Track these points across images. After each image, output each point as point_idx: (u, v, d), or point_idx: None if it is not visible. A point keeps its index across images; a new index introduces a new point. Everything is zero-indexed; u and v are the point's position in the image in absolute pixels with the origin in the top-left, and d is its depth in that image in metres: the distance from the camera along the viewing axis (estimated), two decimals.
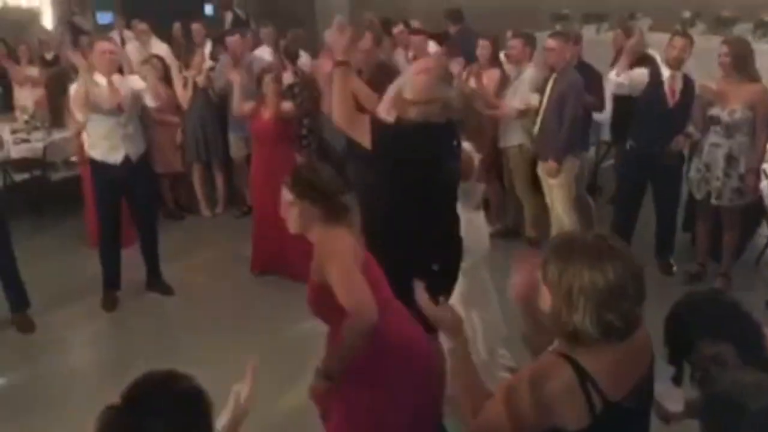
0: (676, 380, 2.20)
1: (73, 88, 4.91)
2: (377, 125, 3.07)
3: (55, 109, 6.84)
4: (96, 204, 5.25)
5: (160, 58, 6.80)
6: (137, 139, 5.07)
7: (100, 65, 4.77)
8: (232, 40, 6.64)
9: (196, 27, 8.11)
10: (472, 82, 5.85)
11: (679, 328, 2.16)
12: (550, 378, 1.78)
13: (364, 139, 3.04)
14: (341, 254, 2.58)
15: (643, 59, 5.50)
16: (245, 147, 6.70)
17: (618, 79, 5.09)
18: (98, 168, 5.01)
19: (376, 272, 2.71)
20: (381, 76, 4.91)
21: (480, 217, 3.91)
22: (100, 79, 4.79)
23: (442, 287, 3.00)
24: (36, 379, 4.36)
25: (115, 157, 4.93)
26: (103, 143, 4.93)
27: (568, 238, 1.89)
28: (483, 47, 5.89)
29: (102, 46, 4.80)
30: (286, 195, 2.72)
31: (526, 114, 5.52)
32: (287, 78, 6.68)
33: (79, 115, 4.99)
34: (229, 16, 11.55)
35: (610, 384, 1.79)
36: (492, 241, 5.96)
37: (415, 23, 7.37)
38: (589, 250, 1.77)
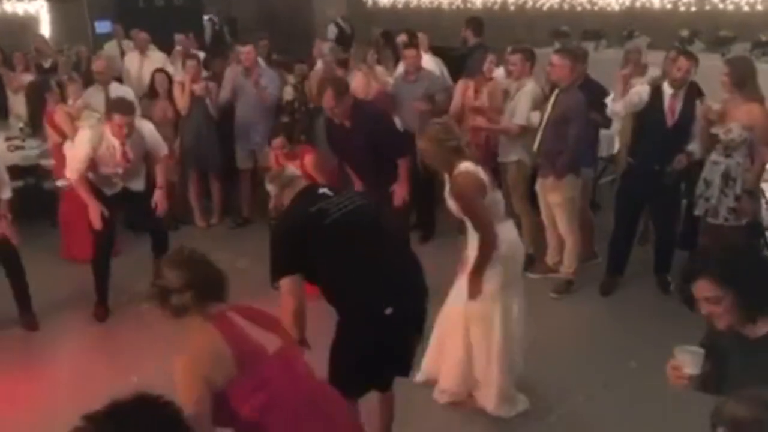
0: (687, 303, 2.39)
1: (76, 138, 5.13)
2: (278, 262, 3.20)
3: (34, 119, 6.79)
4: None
5: (166, 73, 6.88)
6: (136, 177, 5.17)
7: (115, 134, 4.89)
8: (245, 51, 6.64)
9: (179, 38, 8.17)
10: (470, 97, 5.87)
11: (691, 262, 2.39)
12: None
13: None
14: None
15: None
16: (250, 159, 6.69)
17: (613, 107, 5.12)
18: (95, 190, 5.04)
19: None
20: (359, 115, 4.94)
21: (507, 225, 3.93)
22: (114, 141, 4.91)
23: (398, 332, 3.13)
24: (24, 390, 4.29)
25: (113, 191, 5.05)
26: (100, 179, 5.02)
27: None
28: (492, 62, 5.96)
29: (120, 120, 4.86)
30: None
31: (526, 130, 5.49)
32: (288, 93, 6.70)
33: (74, 174, 5.00)
34: (332, 30, 11.52)
35: None
36: None
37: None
38: None
